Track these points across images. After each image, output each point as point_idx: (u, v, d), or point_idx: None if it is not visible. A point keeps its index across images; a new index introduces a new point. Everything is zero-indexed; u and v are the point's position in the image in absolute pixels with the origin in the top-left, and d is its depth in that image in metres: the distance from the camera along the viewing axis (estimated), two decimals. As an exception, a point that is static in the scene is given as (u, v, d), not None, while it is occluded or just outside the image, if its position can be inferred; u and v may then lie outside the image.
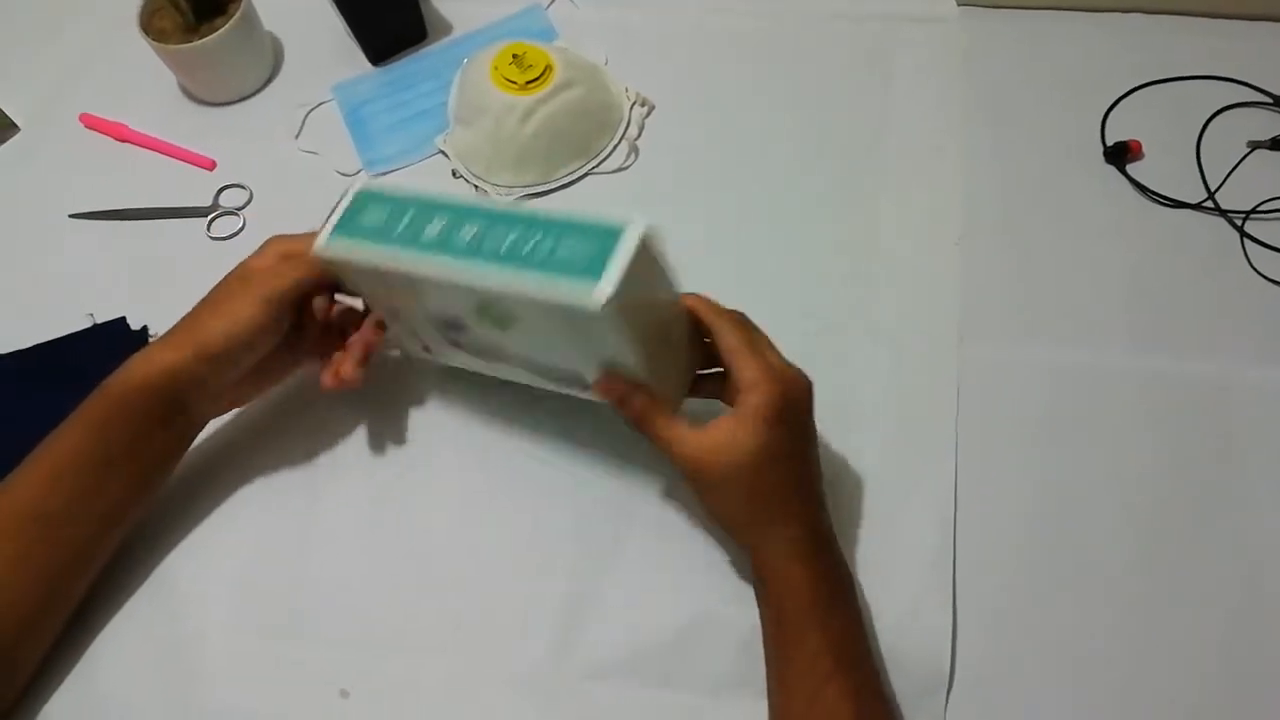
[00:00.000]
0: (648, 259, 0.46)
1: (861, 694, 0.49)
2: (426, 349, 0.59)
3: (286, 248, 0.58)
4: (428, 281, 0.50)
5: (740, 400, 0.49)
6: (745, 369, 0.49)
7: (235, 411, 0.62)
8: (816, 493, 0.53)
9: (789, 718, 0.50)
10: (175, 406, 0.55)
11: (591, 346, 0.49)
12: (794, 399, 0.51)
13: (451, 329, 0.55)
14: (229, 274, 0.58)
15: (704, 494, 0.52)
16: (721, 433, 0.49)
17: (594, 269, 0.44)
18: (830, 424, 0.60)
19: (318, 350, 0.60)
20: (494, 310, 0.50)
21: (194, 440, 0.59)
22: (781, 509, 0.50)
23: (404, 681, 0.55)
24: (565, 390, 0.55)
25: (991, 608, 0.55)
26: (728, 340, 0.50)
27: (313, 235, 0.58)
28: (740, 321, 0.52)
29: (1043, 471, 0.59)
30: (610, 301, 0.43)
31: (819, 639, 0.49)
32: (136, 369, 0.55)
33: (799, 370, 0.52)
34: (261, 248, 0.59)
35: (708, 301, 0.52)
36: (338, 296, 0.60)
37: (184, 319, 0.57)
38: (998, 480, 0.59)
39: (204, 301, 0.57)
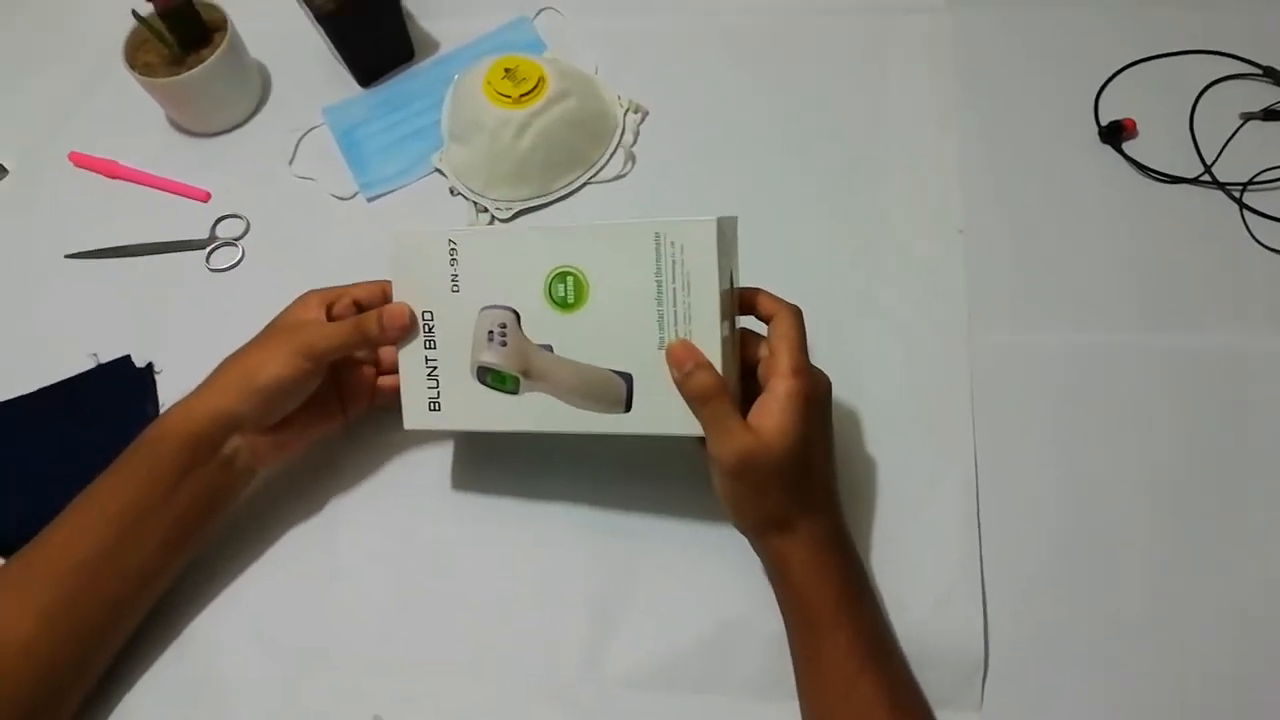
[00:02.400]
0: (732, 235, 0.52)
1: (896, 687, 0.50)
2: (435, 404, 0.56)
3: (325, 297, 0.58)
4: (512, 239, 0.53)
5: (778, 384, 0.49)
6: (791, 354, 0.50)
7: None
8: (836, 488, 0.54)
9: (822, 716, 0.50)
10: (213, 455, 0.55)
11: (673, 304, 0.50)
12: (822, 392, 0.52)
13: (498, 334, 0.54)
14: (272, 323, 0.58)
15: (741, 490, 0.50)
16: (771, 412, 0.49)
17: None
18: (846, 419, 0.61)
19: (364, 400, 0.61)
20: (568, 282, 0.52)
21: (238, 494, 0.58)
22: (810, 502, 0.51)
23: (438, 702, 0.55)
24: (595, 413, 0.53)
25: (1021, 592, 0.55)
26: (784, 325, 0.51)
27: (349, 288, 0.58)
28: (799, 315, 0.52)
29: (1061, 454, 0.59)
30: (718, 222, 0.48)
31: (849, 634, 0.49)
32: (174, 418, 0.55)
33: (820, 369, 0.53)
34: (303, 299, 0.58)
35: (764, 290, 0.53)
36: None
37: (223, 367, 0.56)
38: (1017, 465, 0.59)
39: (244, 351, 0.56)
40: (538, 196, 0.72)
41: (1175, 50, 0.74)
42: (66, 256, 0.75)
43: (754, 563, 0.57)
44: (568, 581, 0.58)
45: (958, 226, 0.68)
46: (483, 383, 0.55)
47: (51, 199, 0.79)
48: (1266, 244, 0.65)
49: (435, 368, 0.56)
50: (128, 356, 0.68)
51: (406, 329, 0.56)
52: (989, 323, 0.64)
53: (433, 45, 0.82)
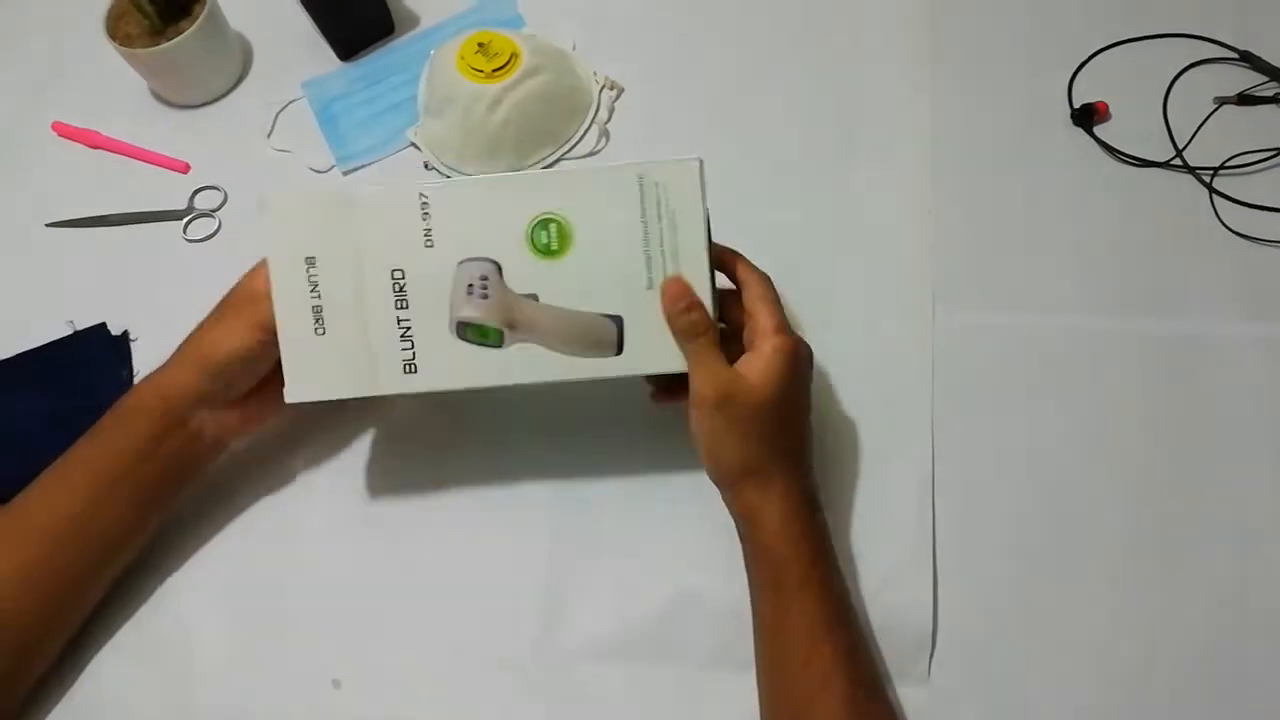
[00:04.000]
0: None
1: (855, 657, 0.50)
2: (410, 366, 0.53)
3: None
4: (488, 189, 0.52)
5: (764, 343, 0.50)
6: (773, 315, 0.51)
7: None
8: (810, 454, 0.54)
9: (781, 681, 0.50)
10: (180, 428, 0.56)
11: (660, 245, 0.51)
12: (805, 355, 0.53)
13: (479, 287, 0.52)
14: (230, 293, 0.57)
15: (719, 427, 0.50)
16: (757, 363, 0.50)
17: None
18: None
19: None
20: (551, 229, 0.51)
21: (208, 464, 0.59)
22: (787, 461, 0.51)
23: (395, 670, 0.56)
24: (583, 359, 0.52)
25: (973, 568, 0.56)
26: (758, 288, 0.52)
27: None
28: (770, 281, 0.53)
29: (1020, 434, 0.60)
30: (701, 162, 0.49)
31: (815, 600, 0.50)
32: (145, 390, 0.56)
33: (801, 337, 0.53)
34: (255, 270, 0.57)
35: (741, 255, 0.54)
36: None
37: (187, 341, 0.57)
38: (975, 444, 0.60)
39: (206, 320, 0.57)
40: (511, 171, 0.72)
41: (1152, 33, 0.73)
42: (47, 225, 0.76)
43: (709, 534, 0.57)
44: (525, 555, 0.59)
45: (926, 207, 0.68)
46: (463, 338, 0.53)
47: (34, 168, 0.79)
48: (1235, 229, 0.65)
49: (409, 328, 0.53)
50: (103, 324, 0.69)
51: None
52: (954, 302, 0.64)
53: (413, 20, 0.83)
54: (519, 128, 0.70)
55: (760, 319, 0.51)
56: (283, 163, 0.76)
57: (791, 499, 0.51)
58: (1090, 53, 0.73)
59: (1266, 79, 0.70)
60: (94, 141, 0.79)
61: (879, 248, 0.67)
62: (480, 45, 0.70)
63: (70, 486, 0.55)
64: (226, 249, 0.73)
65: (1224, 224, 0.66)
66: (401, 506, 0.61)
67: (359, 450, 0.63)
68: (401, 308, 0.53)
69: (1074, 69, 0.73)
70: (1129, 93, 0.71)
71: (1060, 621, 0.54)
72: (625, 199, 0.51)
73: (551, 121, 0.72)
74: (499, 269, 0.52)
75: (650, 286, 0.51)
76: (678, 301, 0.51)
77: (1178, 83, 0.71)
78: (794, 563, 0.50)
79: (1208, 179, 0.67)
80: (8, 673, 0.53)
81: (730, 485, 0.52)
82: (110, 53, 0.76)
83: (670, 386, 0.55)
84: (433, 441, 0.63)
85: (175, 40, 0.74)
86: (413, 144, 0.74)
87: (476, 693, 0.55)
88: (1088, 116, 0.70)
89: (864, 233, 0.68)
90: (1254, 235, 0.65)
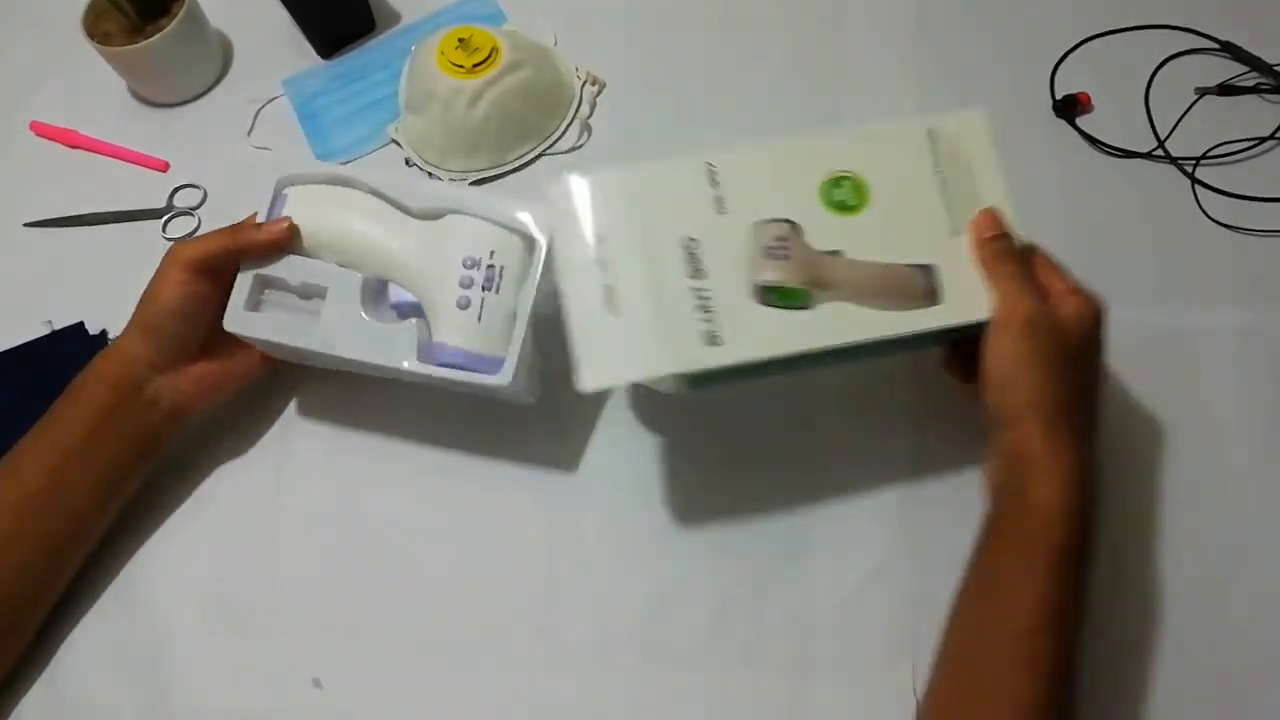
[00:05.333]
0: None
1: (1063, 659, 0.46)
2: (714, 338, 0.50)
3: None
4: (775, 153, 0.53)
5: (1070, 297, 0.49)
6: (1068, 278, 0.51)
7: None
8: (1093, 451, 0.49)
9: (980, 643, 0.47)
10: (136, 396, 0.56)
11: (959, 191, 0.52)
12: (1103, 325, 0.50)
13: (778, 248, 0.51)
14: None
15: (1023, 353, 0.47)
16: (1067, 308, 0.49)
17: None
18: (785, 391, 0.61)
19: None
20: (846, 185, 0.52)
21: (164, 436, 0.59)
22: (1079, 419, 0.48)
23: (376, 668, 0.56)
24: (903, 313, 0.50)
25: (954, 567, 0.55)
26: (1042, 255, 0.52)
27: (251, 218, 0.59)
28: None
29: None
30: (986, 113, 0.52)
31: (1056, 582, 0.46)
32: (98, 362, 0.57)
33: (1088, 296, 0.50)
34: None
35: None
36: None
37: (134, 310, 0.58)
38: (956, 439, 0.59)
39: (144, 290, 0.58)
40: (493, 167, 0.72)
41: (1134, 25, 0.73)
42: (25, 225, 0.75)
43: (694, 531, 0.57)
44: (509, 552, 0.59)
45: (909, 199, 0.68)
46: (766, 303, 0.50)
47: (12, 168, 0.79)
48: (1217, 219, 0.65)
49: (707, 297, 0.50)
50: (81, 323, 0.69)
51: (289, 231, 0.56)
52: (937, 295, 0.64)
53: (394, 17, 0.82)
54: (500, 123, 0.70)
55: (1056, 283, 0.50)
56: (263, 160, 0.76)
57: (1082, 465, 0.47)
58: (1073, 44, 0.73)
59: (1247, 69, 0.70)
60: (72, 141, 0.79)
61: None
62: (461, 41, 0.69)
63: (28, 467, 0.55)
64: (206, 247, 0.72)
65: (1206, 213, 0.65)
66: (385, 502, 0.61)
67: (342, 445, 0.63)
68: (697, 277, 0.51)
69: (1056, 60, 0.72)
70: (1111, 84, 0.71)
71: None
72: (917, 153, 0.52)
73: (533, 116, 0.72)
74: (796, 229, 0.51)
75: (954, 234, 0.51)
76: (985, 231, 0.51)
77: (1160, 73, 0.71)
78: (1057, 539, 0.46)
79: (1190, 169, 0.67)
80: None
81: (1013, 423, 0.48)
82: (89, 51, 0.75)
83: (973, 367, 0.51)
84: (417, 437, 0.63)
85: (154, 38, 0.73)
86: (394, 140, 0.74)
87: (460, 692, 0.55)
88: (1070, 107, 0.70)
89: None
90: (1235, 224, 0.65)
